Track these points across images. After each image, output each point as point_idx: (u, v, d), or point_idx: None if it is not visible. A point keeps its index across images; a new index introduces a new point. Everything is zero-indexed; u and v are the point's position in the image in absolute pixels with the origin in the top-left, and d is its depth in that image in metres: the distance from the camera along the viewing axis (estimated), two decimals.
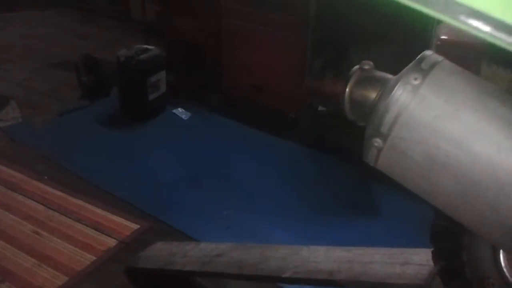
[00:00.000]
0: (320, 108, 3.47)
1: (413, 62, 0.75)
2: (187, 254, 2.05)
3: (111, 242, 2.35)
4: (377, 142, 0.75)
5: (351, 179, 2.84)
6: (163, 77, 3.45)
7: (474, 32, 0.39)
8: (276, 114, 3.41)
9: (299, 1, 3.08)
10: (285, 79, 3.30)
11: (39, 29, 4.90)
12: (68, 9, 5.40)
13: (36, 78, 3.97)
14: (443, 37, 1.18)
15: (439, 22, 1.87)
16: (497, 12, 0.37)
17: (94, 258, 2.26)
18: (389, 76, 0.81)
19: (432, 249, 1.41)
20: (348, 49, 3.15)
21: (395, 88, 0.73)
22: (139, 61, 3.25)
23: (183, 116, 3.51)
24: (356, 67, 0.85)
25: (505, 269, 1.24)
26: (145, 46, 3.44)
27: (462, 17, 0.37)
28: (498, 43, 0.38)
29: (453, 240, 1.29)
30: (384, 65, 0.92)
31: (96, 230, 2.42)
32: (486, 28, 0.38)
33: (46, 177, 2.79)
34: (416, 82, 0.72)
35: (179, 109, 3.56)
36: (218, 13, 3.43)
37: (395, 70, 0.79)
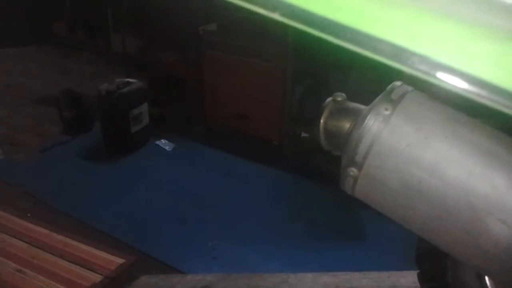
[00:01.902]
0: (303, 134, 3.51)
1: (383, 92, 0.78)
2: (173, 287, 2.03)
3: (96, 278, 2.32)
4: (353, 171, 0.77)
5: (336, 205, 2.84)
6: (146, 110, 3.46)
7: (424, 77, 0.41)
8: (259, 142, 3.43)
9: (277, 30, 3.14)
10: (267, 107, 3.33)
11: (19, 65, 4.89)
12: (48, 45, 5.41)
13: (17, 114, 3.95)
14: None
15: None
16: (446, 58, 0.40)
17: None
18: (362, 106, 0.83)
19: (417, 271, 1.42)
20: (328, 76, 3.21)
21: (367, 119, 0.76)
22: (121, 94, 3.26)
23: (167, 148, 3.51)
24: (330, 99, 0.87)
25: None
26: (127, 79, 3.45)
27: (410, 63, 0.40)
28: (450, 88, 0.41)
29: (438, 262, 1.31)
30: (363, 90, 0.94)
31: (80, 266, 2.39)
32: (437, 74, 0.40)
33: (29, 214, 2.75)
34: (387, 112, 0.75)
35: (162, 140, 3.56)
36: (199, 45, 3.48)
37: (373, 95, 0.81)
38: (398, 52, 0.40)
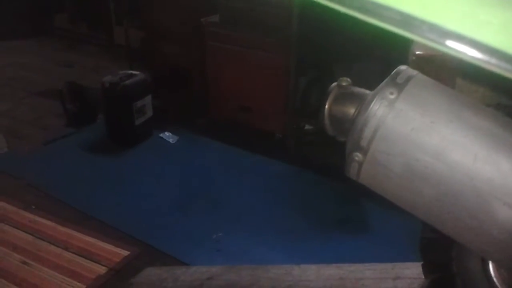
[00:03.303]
0: (307, 126, 3.50)
1: (388, 77, 0.77)
2: (178, 279, 2.03)
3: (101, 270, 2.33)
4: (358, 156, 0.76)
5: (340, 196, 2.84)
6: (149, 102, 3.45)
7: (435, 46, 0.41)
8: (263, 134, 3.43)
9: (281, 22, 3.13)
10: (270, 99, 3.32)
11: (22, 59, 4.89)
12: (51, 38, 5.41)
13: (21, 107, 3.96)
14: (418, 52, 1.20)
15: None
16: (456, 25, 0.39)
17: (84, 286, 2.22)
18: (367, 91, 0.82)
19: (422, 262, 1.42)
20: (331, 68, 3.20)
21: (372, 103, 0.75)
22: (125, 86, 3.25)
23: (171, 140, 3.51)
24: (334, 84, 0.86)
25: (495, 279, 1.25)
26: (130, 71, 3.45)
27: (420, 31, 0.39)
28: (461, 56, 0.40)
29: (442, 252, 1.30)
30: (367, 81, 0.94)
31: (85, 258, 2.39)
32: (446, 42, 0.40)
33: (33, 206, 2.76)
34: (392, 97, 0.74)
35: (166, 133, 3.56)
36: (202, 36, 3.47)
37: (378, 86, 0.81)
38: (407, 19, 0.39)
